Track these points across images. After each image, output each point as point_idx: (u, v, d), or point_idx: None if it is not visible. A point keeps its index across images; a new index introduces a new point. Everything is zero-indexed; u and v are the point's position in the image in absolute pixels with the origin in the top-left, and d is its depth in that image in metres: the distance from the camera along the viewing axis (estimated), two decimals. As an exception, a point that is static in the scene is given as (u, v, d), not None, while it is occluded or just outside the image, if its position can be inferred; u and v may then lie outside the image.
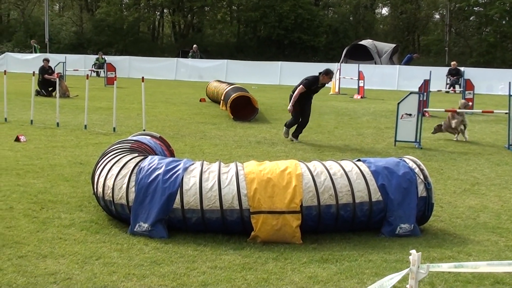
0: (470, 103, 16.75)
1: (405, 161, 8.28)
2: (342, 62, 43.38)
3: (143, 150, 9.15)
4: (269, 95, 31.23)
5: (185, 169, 7.90)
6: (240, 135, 16.89)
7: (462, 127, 16.92)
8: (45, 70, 28.46)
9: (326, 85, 16.69)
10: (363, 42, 50.04)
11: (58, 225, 8.09)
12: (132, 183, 7.90)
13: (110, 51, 60.22)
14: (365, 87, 32.21)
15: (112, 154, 8.67)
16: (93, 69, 44.38)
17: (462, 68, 37.74)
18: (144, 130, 15.25)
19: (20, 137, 14.83)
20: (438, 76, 33.77)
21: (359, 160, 8.35)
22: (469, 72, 35.95)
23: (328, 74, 15.48)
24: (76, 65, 42.81)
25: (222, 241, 7.59)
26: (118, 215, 8.17)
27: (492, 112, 18.99)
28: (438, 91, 30.24)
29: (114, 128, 16.96)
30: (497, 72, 39.55)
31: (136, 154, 8.52)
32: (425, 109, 18.31)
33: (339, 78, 34.27)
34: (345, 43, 58.21)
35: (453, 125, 16.88)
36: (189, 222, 7.75)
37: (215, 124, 19.01)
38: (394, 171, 7.97)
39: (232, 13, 73.02)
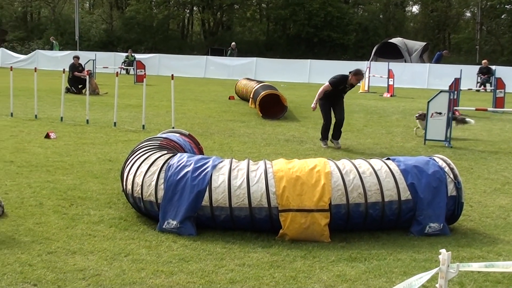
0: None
1: (435, 160, 8.21)
2: (371, 61, 43.16)
3: (172, 148, 9.17)
4: (298, 93, 31.18)
5: (214, 166, 7.90)
6: (269, 133, 16.88)
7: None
8: (75, 67, 28.62)
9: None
10: (393, 40, 49.76)
11: (87, 222, 8.14)
12: (161, 181, 7.92)
13: (140, 49, 60.55)
14: (395, 86, 32.00)
15: (141, 151, 8.70)
16: (122, 66, 44.61)
17: (493, 67, 37.40)
18: (173, 128, 15.29)
19: (50, 134, 14.94)
20: (469, 75, 33.45)
21: (388, 158, 8.31)
22: (500, 71, 35.55)
23: (357, 75, 14.48)
24: (105, 63, 43.05)
25: (250, 239, 7.59)
26: (147, 212, 8.20)
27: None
28: (469, 89, 29.97)
29: (143, 126, 17.02)
30: (529, 71, 39.13)
31: (165, 152, 8.54)
32: (455, 107, 18.16)
33: (369, 76, 34.14)
34: (374, 41, 57.96)
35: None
36: (218, 219, 7.75)
37: (244, 122, 19.01)
38: (423, 170, 7.91)
39: (261, 11, 73.07)
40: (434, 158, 8.34)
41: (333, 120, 14.92)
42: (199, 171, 7.83)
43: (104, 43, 65.78)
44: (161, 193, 7.86)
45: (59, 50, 52.45)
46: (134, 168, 8.32)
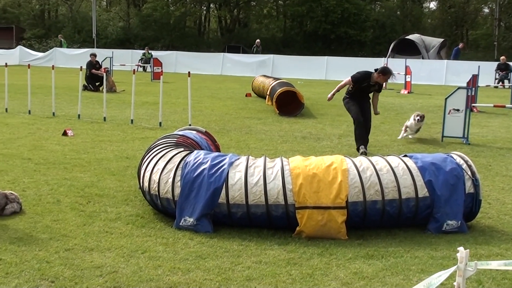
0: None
1: (452, 157, 8.17)
2: (389, 57, 42.99)
3: (189, 145, 9.18)
4: (315, 90, 31.13)
5: (231, 164, 7.90)
6: (285, 130, 16.86)
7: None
8: (93, 65, 28.72)
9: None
10: (411, 37, 49.59)
11: (104, 219, 8.16)
12: (178, 178, 7.93)
13: (157, 46, 60.70)
14: (412, 82, 31.88)
15: (158, 148, 8.71)
16: (139, 64, 44.74)
17: (511, 63, 37.14)
18: (190, 125, 15.31)
19: (67, 131, 15.00)
20: (487, 71, 33.19)
21: (405, 155, 8.28)
22: (519, 67, 35.40)
23: (386, 74, 13.28)
24: (123, 60, 43.19)
25: (267, 236, 7.59)
26: (164, 209, 8.21)
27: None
28: (487, 86, 29.80)
29: (160, 123, 17.06)
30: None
31: (182, 149, 8.55)
32: (473, 104, 18.08)
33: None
34: (392, 38, 57.74)
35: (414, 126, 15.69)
36: (234, 216, 7.75)
37: (260, 119, 19.00)
38: (441, 167, 7.87)
39: (278, 7, 73.01)
40: (452, 155, 8.30)
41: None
42: (216, 168, 7.83)
43: (121, 41, 65.98)
44: (177, 190, 7.87)
45: (67, 47, 52.68)
46: (151, 166, 8.34)
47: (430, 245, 7.35)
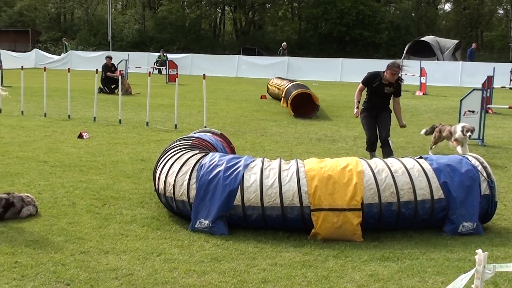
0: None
1: (467, 159, 8.14)
2: (403, 59, 42.93)
3: (204, 147, 9.19)
4: (330, 92, 31.10)
5: (246, 166, 7.90)
6: (300, 132, 16.85)
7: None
8: (108, 67, 28.81)
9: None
10: (425, 38, 49.47)
11: (119, 221, 8.18)
12: (193, 180, 7.94)
13: (172, 49, 60.84)
14: (427, 84, 31.76)
15: (173, 151, 8.72)
16: (155, 66, 44.83)
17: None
18: (205, 127, 15.32)
19: (83, 134, 15.04)
20: (502, 72, 33.04)
21: (420, 157, 8.25)
22: (534, 68, 35.21)
23: (391, 68, 11.88)
24: (138, 63, 43.30)
25: (282, 238, 7.58)
26: (179, 212, 8.22)
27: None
28: (502, 87, 29.64)
29: (175, 125, 17.08)
30: None
31: (197, 151, 8.55)
32: (488, 105, 18.00)
33: (401, 74, 33.93)
34: (407, 40, 57.64)
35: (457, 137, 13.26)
36: (250, 219, 7.75)
37: (276, 121, 19.00)
38: (456, 168, 7.85)
39: (293, 10, 73.05)
40: (467, 156, 8.26)
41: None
42: (231, 170, 7.84)
43: (136, 43, 66.22)
44: (193, 192, 7.87)
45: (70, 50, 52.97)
46: (166, 168, 8.35)
47: (445, 247, 7.32)
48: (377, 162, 7.98)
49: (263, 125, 18.12)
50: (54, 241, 7.29)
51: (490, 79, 19.79)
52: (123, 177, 10.80)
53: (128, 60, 36.57)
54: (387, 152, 11.97)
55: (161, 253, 6.97)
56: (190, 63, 46.85)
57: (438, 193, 7.70)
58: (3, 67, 27.80)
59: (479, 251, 4.21)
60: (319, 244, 7.38)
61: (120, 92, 19.30)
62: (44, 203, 8.95)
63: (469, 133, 12.97)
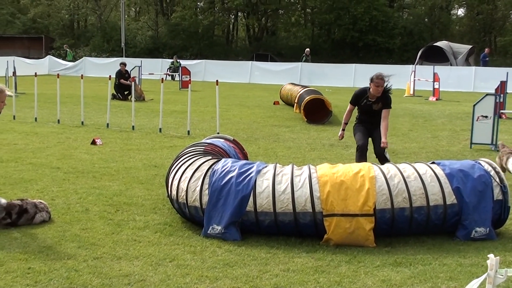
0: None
1: (480, 164, 8.11)
2: (417, 64, 42.82)
3: (217, 153, 9.20)
4: (343, 97, 30.98)
5: (258, 171, 7.91)
6: (313, 138, 16.84)
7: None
8: (122, 74, 28.89)
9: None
10: (439, 44, 49.34)
11: (132, 227, 8.21)
12: (206, 186, 7.95)
13: (185, 55, 60.95)
14: (441, 89, 31.69)
15: (186, 157, 8.74)
16: (168, 72, 44.93)
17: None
18: (218, 133, 15.34)
19: (96, 140, 15.10)
20: (516, 77, 32.96)
21: (433, 162, 8.23)
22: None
23: (372, 81, 11.10)
24: (151, 69, 43.41)
25: (295, 244, 7.58)
26: (192, 218, 8.23)
27: None
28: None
29: (188, 131, 17.10)
30: None
31: (210, 157, 8.56)
32: (501, 111, 17.94)
33: (414, 80, 33.94)
34: (420, 45, 57.51)
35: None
36: (262, 224, 7.76)
37: (288, 127, 19.00)
38: (469, 173, 7.83)
39: (306, 15, 72.97)
40: (480, 162, 8.24)
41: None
42: (243, 176, 7.85)
43: (150, 50, 66.37)
44: (205, 198, 7.89)
45: (72, 58, 53.13)
46: (179, 174, 8.37)
47: (458, 253, 7.30)
48: (390, 168, 7.97)
49: (276, 131, 18.12)
50: (67, 247, 7.32)
51: (503, 84, 19.71)
52: (136, 183, 10.83)
53: (141, 66, 36.67)
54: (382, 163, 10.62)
55: (174, 259, 6.99)
56: (203, 69, 46.95)
57: (451, 198, 7.68)
58: (17, 74, 27.94)
59: (491, 255, 4.21)
60: (332, 249, 7.38)
61: (133, 99, 19.35)
62: (57, 209, 8.99)
63: None
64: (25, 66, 44.12)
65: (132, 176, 11.46)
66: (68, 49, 53.43)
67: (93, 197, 9.77)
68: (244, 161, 8.48)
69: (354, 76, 42.62)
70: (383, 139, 11.04)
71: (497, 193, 7.84)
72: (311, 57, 45.07)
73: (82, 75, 20.96)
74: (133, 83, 20.59)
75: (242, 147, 10.61)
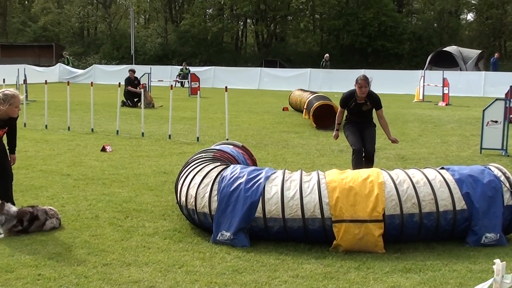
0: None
1: (490, 169, 8.09)
2: (426, 69, 42.79)
3: (226, 159, 9.22)
4: (352, 103, 30.99)
5: (267, 178, 7.92)
6: (323, 143, 16.83)
7: None
8: (131, 81, 28.95)
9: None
10: (448, 49, 49.27)
11: (142, 234, 8.23)
12: (215, 192, 7.96)
13: (194, 62, 61.06)
14: (450, 94, 31.63)
15: (195, 163, 8.76)
16: (177, 79, 45.00)
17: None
18: (227, 139, 15.35)
19: (106, 147, 15.14)
20: (526, 82, 32.88)
21: (442, 168, 8.21)
22: (558, 78, 34.98)
23: (356, 82, 11.27)
24: (161, 76, 43.48)
25: (304, 250, 7.58)
26: (201, 224, 8.25)
27: None
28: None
29: (197, 138, 17.13)
30: None
31: (219, 163, 8.58)
32: (511, 115, 17.88)
33: (423, 85, 33.89)
34: (429, 50, 57.40)
35: None
36: (271, 230, 7.76)
37: (297, 133, 19.00)
38: (478, 179, 7.80)
39: (315, 21, 72.99)
40: (490, 167, 8.21)
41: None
42: (252, 182, 7.85)
43: (159, 57, 66.55)
44: (214, 205, 7.90)
45: (71, 64, 53.29)
46: (188, 180, 8.39)
47: (468, 258, 7.28)
48: (398, 173, 7.95)
49: (285, 137, 18.13)
50: (77, 254, 7.35)
51: (513, 89, 19.65)
52: (145, 190, 10.85)
53: (150, 73, 36.73)
54: (368, 167, 10.55)
55: (183, 265, 7.00)
56: (212, 76, 47.02)
57: (461, 204, 7.66)
58: (28, 82, 28.05)
59: (497, 261, 4.21)
60: (341, 255, 7.37)
61: (142, 105, 19.40)
62: (67, 216, 9.03)
63: None
64: (36, 73, 44.30)
65: (142, 182, 11.49)
66: (67, 56, 53.57)
67: (102, 204, 9.80)
68: (253, 167, 8.49)
69: (363, 81, 42.50)
70: (392, 138, 11.78)
71: (507, 199, 7.81)
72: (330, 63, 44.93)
73: (92, 82, 21.00)
74: (142, 90, 20.66)
75: (251, 153, 10.63)
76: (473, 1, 72.34)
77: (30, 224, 8.21)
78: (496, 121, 15.13)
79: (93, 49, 71.23)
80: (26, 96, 26.98)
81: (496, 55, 46.91)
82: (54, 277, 6.55)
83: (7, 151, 8.94)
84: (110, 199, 10.14)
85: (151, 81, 35.91)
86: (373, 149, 11.63)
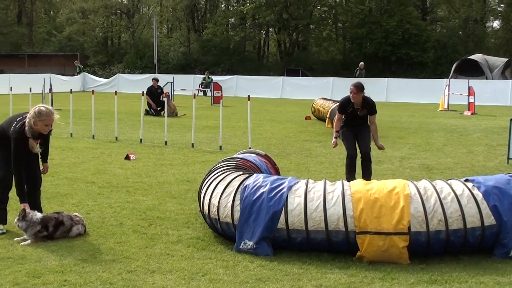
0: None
1: (515, 179, 7.96)
2: (451, 78, 42.57)
3: (249, 168, 9.20)
4: (375, 112, 30.90)
5: (290, 187, 7.88)
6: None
7: None
8: (152, 91, 29.09)
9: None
10: (473, 57, 48.91)
11: (165, 242, 8.24)
12: (237, 202, 7.95)
13: (217, 71, 61.20)
14: (476, 103, 31.35)
15: (218, 172, 8.75)
16: (200, 88, 45.14)
17: None
18: (249, 148, 15.35)
19: (130, 155, 15.19)
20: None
21: (467, 179, 8.06)
22: None
23: (352, 89, 11.87)
24: (183, 85, 43.65)
25: (327, 260, 7.54)
26: (224, 233, 8.24)
27: None
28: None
29: (220, 146, 17.14)
30: None
31: (241, 172, 8.56)
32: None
33: (448, 94, 33.70)
34: (454, 58, 57.05)
35: None
36: (294, 241, 7.73)
37: (320, 142, 18.95)
38: (505, 190, 7.62)
39: (337, 30, 72.89)
40: (515, 177, 8.07)
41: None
42: (275, 191, 7.83)
43: (182, 66, 66.81)
44: (237, 214, 7.88)
45: (80, 71, 53.58)
46: (210, 189, 8.39)
47: (496, 270, 7.17)
48: (426, 187, 7.78)
49: (307, 146, 18.10)
50: (102, 260, 7.38)
51: (540, 98, 19.51)
52: (169, 198, 10.88)
53: (173, 82, 36.88)
54: (366, 167, 12.30)
55: (206, 273, 6.99)
56: (234, 85, 47.11)
57: (489, 220, 7.48)
58: (53, 91, 28.22)
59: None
60: (365, 266, 7.32)
61: (165, 114, 19.46)
62: (92, 223, 9.07)
63: None
64: (61, 83, 44.78)
65: (165, 190, 11.52)
66: (78, 65, 53.97)
67: (127, 211, 9.84)
68: (276, 177, 8.46)
69: (386, 90, 42.45)
70: (379, 145, 12.53)
71: (534, 209, 7.67)
72: (344, 72, 44.71)
73: (116, 91, 21.12)
74: (165, 98, 20.72)
75: (274, 162, 10.60)
76: (499, 9, 71.85)
77: (55, 229, 8.28)
78: (523, 131, 14.98)
79: (117, 59, 71.63)
80: (52, 105, 27.17)
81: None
82: (79, 283, 6.58)
83: (40, 159, 9.02)
84: (134, 206, 10.18)
85: (174, 90, 36.07)
86: (367, 148, 12.26)
